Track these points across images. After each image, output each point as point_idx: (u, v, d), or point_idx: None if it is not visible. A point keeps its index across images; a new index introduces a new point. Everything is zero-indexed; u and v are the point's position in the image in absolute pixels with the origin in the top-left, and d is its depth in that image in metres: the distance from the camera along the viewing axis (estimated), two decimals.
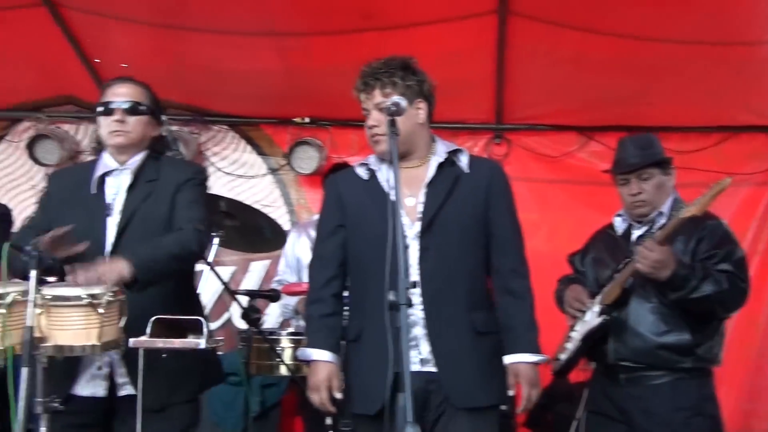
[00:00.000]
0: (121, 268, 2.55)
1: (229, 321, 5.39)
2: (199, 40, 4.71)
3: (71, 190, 2.90)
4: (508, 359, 2.66)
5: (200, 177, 2.97)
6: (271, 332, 3.99)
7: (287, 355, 3.87)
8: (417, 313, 2.60)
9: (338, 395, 2.66)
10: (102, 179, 2.87)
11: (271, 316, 5.32)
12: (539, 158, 5.49)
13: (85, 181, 2.88)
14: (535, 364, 2.67)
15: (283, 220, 5.60)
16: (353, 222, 2.77)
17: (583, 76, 4.76)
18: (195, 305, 3.02)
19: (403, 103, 2.54)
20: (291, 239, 4.51)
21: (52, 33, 4.65)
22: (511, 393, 2.65)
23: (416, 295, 2.56)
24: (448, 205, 2.68)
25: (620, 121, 5.12)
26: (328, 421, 3.57)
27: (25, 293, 2.41)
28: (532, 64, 4.75)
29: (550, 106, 5.25)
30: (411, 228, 2.65)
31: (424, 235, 2.65)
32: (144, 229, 2.79)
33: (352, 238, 2.78)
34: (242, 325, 4.01)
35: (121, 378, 2.78)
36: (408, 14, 4.39)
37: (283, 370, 3.87)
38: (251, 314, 3.72)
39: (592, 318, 3.21)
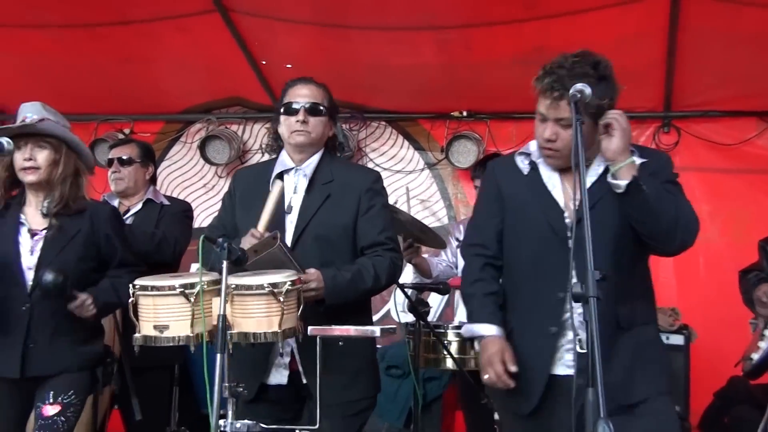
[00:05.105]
0: (318, 285, 2.66)
1: (387, 314, 5.45)
2: (360, 37, 4.78)
3: (251, 187, 2.99)
4: None
5: (380, 185, 2.99)
6: (437, 326, 3.97)
7: (453, 349, 3.84)
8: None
9: (513, 368, 2.55)
10: (280, 177, 2.94)
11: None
12: (712, 147, 5.27)
13: (265, 178, 2.95)
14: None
15: (441, 214, 5.63)
16: (511, 216, 2.69)
17: (765, 57, 4.45)
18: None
19: (588, 90, 2.30)
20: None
21: (222, 37, 4.84)
22: None
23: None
24: (598, 207, 2.46)
25: None
26: (496, 416, 3.52)
27: (210, 283, 2.50)
28: (707, 47, 4.51)
29: (725, 91, 4.99)
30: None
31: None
32: (322, 233, 2.85)
33: (508, 233, 2.70)
34: (404, 317, 4.02)
35: (300, 367, 2.84)
36: (573, 1, 4.24)
37: (449, 364, 3.86)
38: (419, 307, 3.71)
39: None
